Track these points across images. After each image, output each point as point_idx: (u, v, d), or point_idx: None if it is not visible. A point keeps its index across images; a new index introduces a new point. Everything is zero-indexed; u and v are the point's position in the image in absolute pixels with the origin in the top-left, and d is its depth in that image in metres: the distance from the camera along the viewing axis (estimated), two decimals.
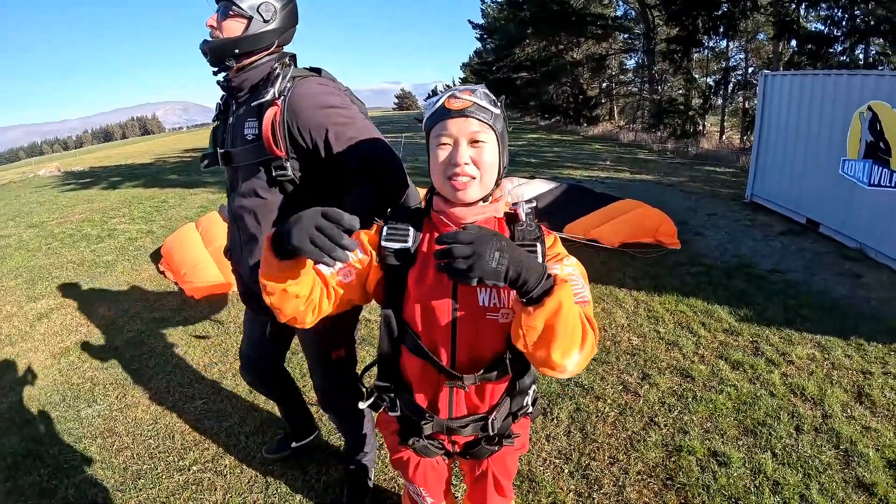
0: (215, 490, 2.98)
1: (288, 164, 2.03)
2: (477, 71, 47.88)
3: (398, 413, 1.64)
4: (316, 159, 2.05)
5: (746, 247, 7.19)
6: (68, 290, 6.21)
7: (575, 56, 30.74)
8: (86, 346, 4.74)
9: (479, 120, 1.38)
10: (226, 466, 3.16)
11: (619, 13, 28.34)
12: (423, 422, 1.58)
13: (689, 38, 21.74)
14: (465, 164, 1.38)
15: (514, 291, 1.23)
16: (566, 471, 3.08)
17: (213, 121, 2.35)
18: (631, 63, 30.65)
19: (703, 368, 4.11)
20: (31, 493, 3.02)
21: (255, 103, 2.02)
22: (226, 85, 2.17)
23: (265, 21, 2.06)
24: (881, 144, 6.35)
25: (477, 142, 1.39)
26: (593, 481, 3.00)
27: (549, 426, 3.47)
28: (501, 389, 1.59)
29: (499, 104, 1.45)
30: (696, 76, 24.31)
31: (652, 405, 3.67)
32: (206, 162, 2.27)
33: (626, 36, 28.80)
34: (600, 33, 28.01)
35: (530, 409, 1.68)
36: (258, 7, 2.03)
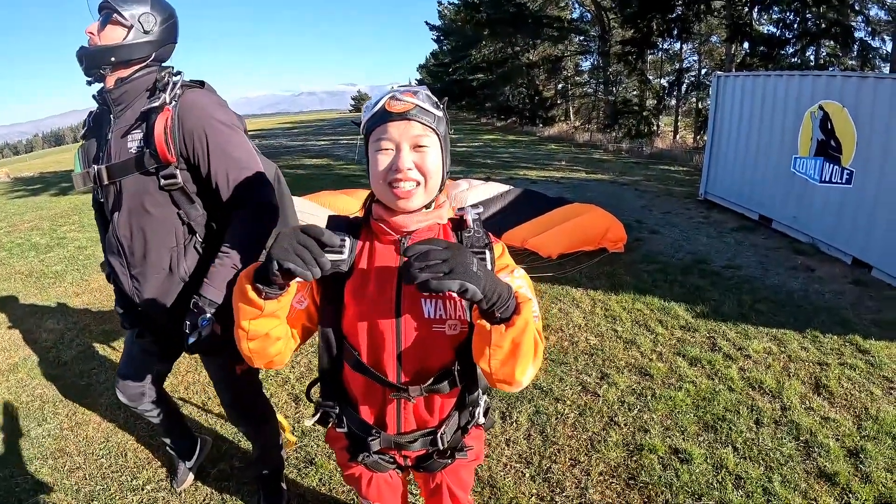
0: None
1: (177, 172, 1.98)
2: (433, 72, 47.99)
3: (345, 429, 1.58)
4: (198, 176, 2.04)
5: (701, 244, 7.32)
6: (16, 302, 5.99)
7: (531, 57, 31.04)
8: (35, 362, 4.56)
9: (422, 123, 1.31)
10: None
11: (574, 16, 28.70)
12: (371, 438, 1.52)
13: (644, 41, 22.11)
14: (409, 169, 1.31)
15: (475, 309, 1.24)
16: (527, 475, 3.05)
17: (82, 138, 2.24)
18: (586, 65, 31.10)
19: (661, 366, 4.13)
20: None
21: (144, 109, 1.97)
22: (102, 99, 2.11)
23: (145, 32, 2.04)
24: (832, 142, 6.53)
25: (420, 146, 1.33)
26: (555, 484, 2.98)
27: (508, 430, 3.44)
28: (451, 402, 1.53)
29: (441, 106, 1.39)
30: (651, 77, 24.74)
31: (611, 405, 3.67)
32: (79, 184, 2.13)
33: (581, 38, 29.13)
34: (556, 35, 28.29)
35: (482, 421, 1.63)
36: (139, 17, 2.02)
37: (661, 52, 24.43)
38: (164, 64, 2.18)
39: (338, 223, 1.49)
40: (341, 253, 1.28)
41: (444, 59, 43.91)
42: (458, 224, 1.47)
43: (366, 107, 1.40)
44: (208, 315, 1.97)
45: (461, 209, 1.45)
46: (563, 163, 15.97)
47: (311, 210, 6.71)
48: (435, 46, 46.86)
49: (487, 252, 1.38)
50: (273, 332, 1.34)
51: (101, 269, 6.91)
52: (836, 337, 4.50)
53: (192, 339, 1.96)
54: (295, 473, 3.10)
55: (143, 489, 3.03)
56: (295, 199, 2.37)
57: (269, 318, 1.30)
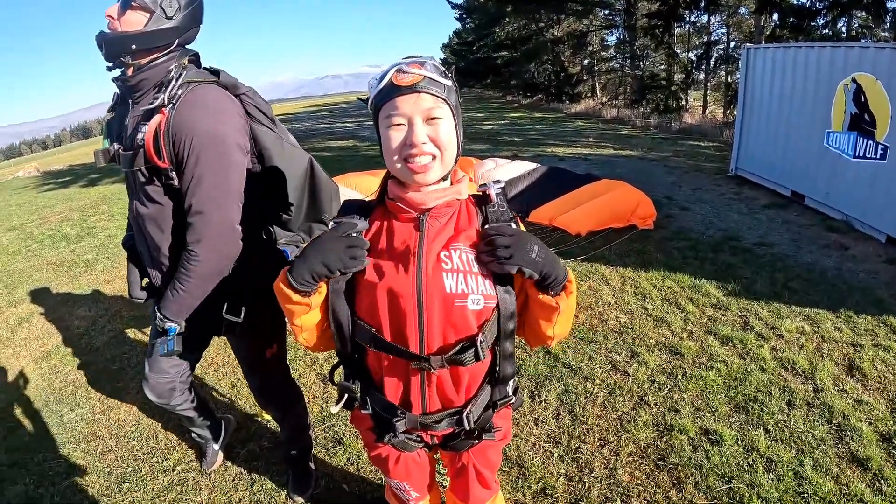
0: (200, 490, 2.92)
1: (173, 174, 1.90)
2: (457, 51, 47.84)
3: (370, 411, 1.57)
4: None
5: (732, 220, 7.19)
6: (49, 292, 6.11)
7: (555, 33, 30.70)
8: (67, 349, 4.65)
9: (433, 94, 1.29)
10: None
11: None
12: (396, 419, 1.51)
13: (671, 13, 21.69)
14: (423, 143, 1.29)
15: (532, 286, 1.41)
16: (556, 455, 3.04)
17: (110, 111, 2.17)
18: (612, 39, 30.62)
19: (692, 345, 4.08)
20: None
21: (144, 108, 1.90)
22: (121, 84, 2.02)
23: (168, 17, 1.91)
24: (866, 116, 6.34)
25: (433, 118, 1.30)
26: (584, 464, 2.96)
27: (537, 409, 3.42)
28: (477, 380, 1.52)
29: (450, 75, 1.36)
30: (678, 51, 24.30)
31: (641, 384, 3.64)
32: (99, 160, 2.05)
33: (606, 12, 28.65)
34: (581, 10, 27.84)
35: (512, 399, 1.60)
36: (161, 2, 1.89)
37: (688, 25, 23.93)
38: (187, 47, 2.08)
39: (350, 207, 1.50)
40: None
41: (467, 38, 43.76)
42: (481, 199, 1.47)
43: (371, 82, 1.37)
44: (173, 325, 2.02)
45: (483, 185, 1.44)
46: (591, 139, 15.82)
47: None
48: (458, 25, 46.64)
49: (513, 224, 1.40)
50: (319, 321, 1.48)
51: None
52: (870, 317, 4.38)
53: (162, 351, 2.04)
54: (323, 453, 3.13)
55: (173, 470, 3.09)
56: None
57: (316, 309, 1.44)
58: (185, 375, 2.54)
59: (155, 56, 1.96)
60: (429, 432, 1.58)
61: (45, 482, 3.08)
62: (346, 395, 1.60)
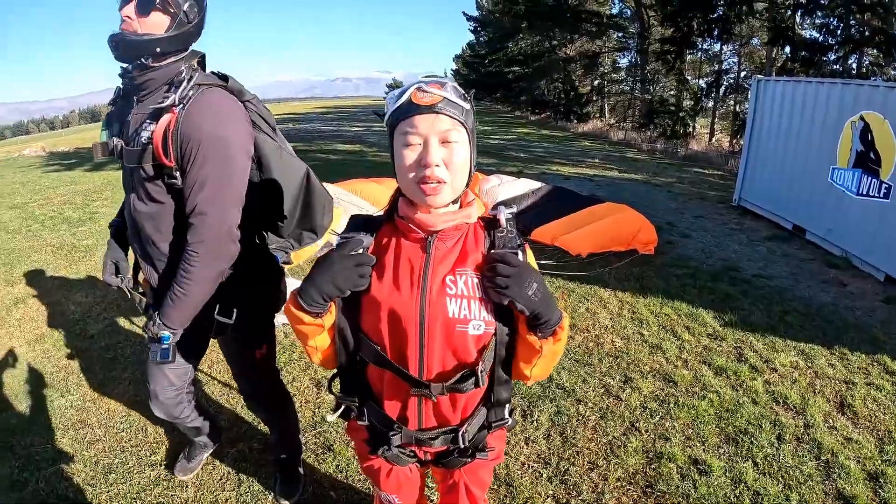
0: (186, 487, 2.91)
1: (177, 174, 1.88)
2: (469, 63, 48.11)
3: (367, 423, 1.58)
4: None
5: (732, 250, 7.20)
6: (46, 274, 6.11)
7: (568, 52, 30.86)
8: (61, 334, 4.64)
9: (451, 117, 1.28)
10: None
11: (614, 11, 28.41)
12: (392, 433, 1.51)
13: (684, 40, 21.80)
14: (437, 165, 1.28)
15: (523, 321, 1.39)
16: (544, 476, 3.03)
17: (110, 104, 2.14)
18: (624, 62, 30.89)
19: (685, 374, 4.08)
20: (1, 486, 2.93)
21: (154, 107, 1.88)
22: (128, 81, 1.99)
23: (188, 21, 1.92)
24: (871, 155, 6.35)
25: (448, 141, 1.29)
26: (572, 487, 2.95)
27: (528, 429, 3.42)
28: (474, 402, 1.52)
29: (468, 98, 1.35)
30: (689, 77, 24.41)
31: (633, 410, 3.63)
32: (98, 154, 2.03)
33: (620, 34, 28.84)
34: (594, 31, 28.04)
35: (508, 422, 1.60)
36: (185, 5, 1.89)
37: (700, 53, 24.08)
38: (193, 48, 2.07)
39: (357, 222, 1.49)
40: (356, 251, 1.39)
41: (480, 51, 43.96)
42: (490, 223, 1.46)
43: (389, 98, 1.36)
44: (167, 333, 1.99)
45: (494, 209, 1.43)
46: (597, 160, 15.85)
47: (342, 197, 6.69)
48: (472, 37, 46.95)
49: (520, 253, 1.38)
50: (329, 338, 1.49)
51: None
52: (864, 355, 4.39)
53: (153, 358, 2.01)
54: (313, 458, 3.12)
55: (160, 465, 3.08)
56: (326, 185, 2.31)
57: (329, 330, 1.46)
58: (189, 383, 2.53)
59: (169, 58, 1.96)
60: (423, 448, 1.58)
61: (31, 467, 3.06)
62: (342, 405, 1.60)
